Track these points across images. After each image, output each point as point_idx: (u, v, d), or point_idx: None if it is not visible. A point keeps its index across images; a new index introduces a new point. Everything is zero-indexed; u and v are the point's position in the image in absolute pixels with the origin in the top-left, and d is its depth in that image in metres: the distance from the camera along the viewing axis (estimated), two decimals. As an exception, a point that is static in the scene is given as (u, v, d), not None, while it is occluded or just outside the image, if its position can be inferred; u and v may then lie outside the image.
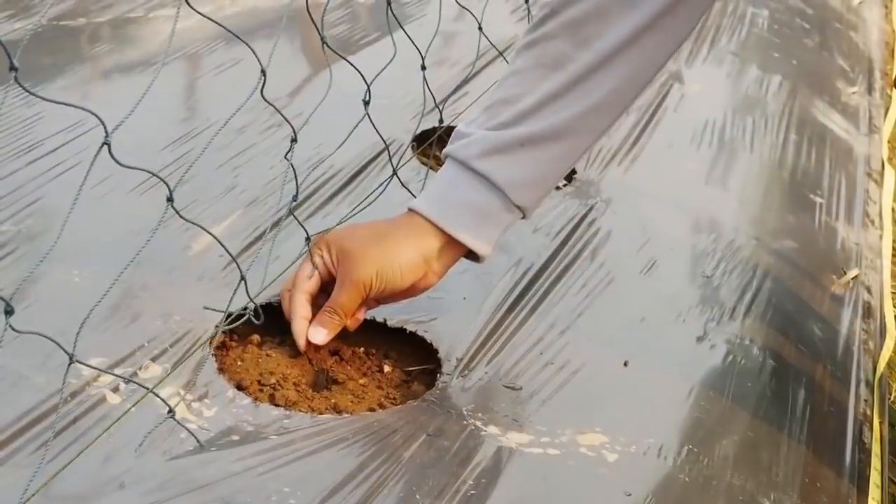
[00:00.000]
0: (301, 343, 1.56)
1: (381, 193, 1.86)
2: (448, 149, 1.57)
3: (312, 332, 1.55)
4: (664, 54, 1.56)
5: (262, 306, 1.57)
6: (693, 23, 1.55)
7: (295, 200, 1.59)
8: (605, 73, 1.52)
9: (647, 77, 1.57)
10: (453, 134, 1.59)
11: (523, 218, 1.59)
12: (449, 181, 1.56)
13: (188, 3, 1.15)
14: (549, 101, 1.52)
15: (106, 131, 1.04)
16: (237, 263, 1.39)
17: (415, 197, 1.61)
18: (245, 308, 1.51)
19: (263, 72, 1.30)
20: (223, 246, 1.38)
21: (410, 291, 1.59)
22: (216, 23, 1.28)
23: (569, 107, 1.53)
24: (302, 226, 1.58)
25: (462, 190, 1.55)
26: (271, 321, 1.58)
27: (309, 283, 1.56)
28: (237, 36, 1.31)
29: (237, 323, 1.52)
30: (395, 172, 1.85)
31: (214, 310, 1.50)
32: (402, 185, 1.86)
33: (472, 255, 1.60)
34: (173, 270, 1.68)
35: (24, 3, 2.56)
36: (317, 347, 1.57)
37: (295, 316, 1.56)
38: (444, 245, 1.56)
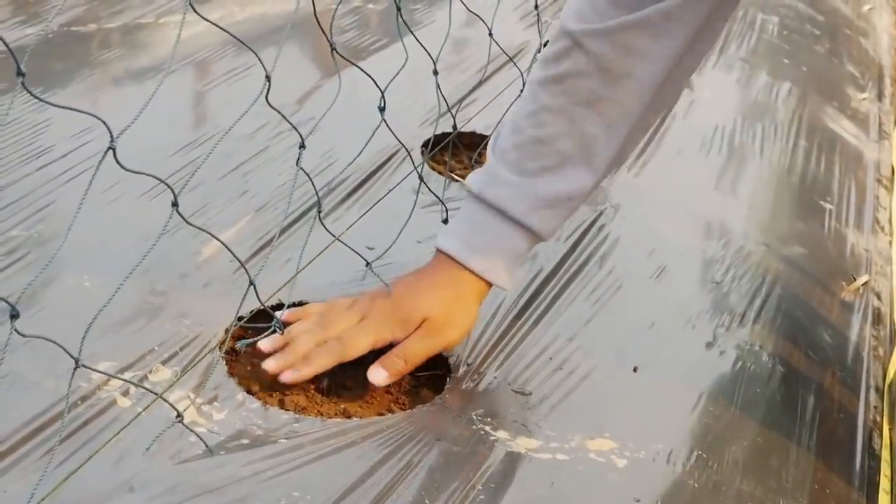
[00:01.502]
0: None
1: (389, 193, 1.86)
2: (485, 193, 1.57)
3: (374, 372, 1.54)
4: (687, 78, 1.58)
5: (273, 307, 1.57)
6: (713, 43, 1.56)
7: (319, 210, 1.59)
8: (641, 109, 1.54)
9: (673, 101, 1.62)
10: (485, 169, 1.60)
11: (547, 240, 1.62)
12: (491, 231, 1.58)
13: (194, 10, 1.15)
14: (591, 144, 1.54)
15: (111, 136, 1.05)
16: (245, 269, 1.39)
17: (436, 196, 1.61)
18: (270, 325, 1.51)
19: (268, 78, 1.30)
20: (230, 251, 1.39)
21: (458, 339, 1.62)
22: (223, 29, 1.28)
23: (609, 146, 1.54)
24: (332, 234, 1.58)
25: (509, 242, 1.58)
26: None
27: (353, 353, 1.55)
28: (243, 42, 1.31)
29: (261, 337, 1.52)
30: (419, 176, 1.85)
31: (250, 325, 1.50)
32: (429, 188, 1.86)
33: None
34: (183, 275, 1.68)
35: (34, 10, 2.56)
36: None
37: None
38: (476, 282, 1.60)
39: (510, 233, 1.57)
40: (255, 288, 1.39)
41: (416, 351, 1.55)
